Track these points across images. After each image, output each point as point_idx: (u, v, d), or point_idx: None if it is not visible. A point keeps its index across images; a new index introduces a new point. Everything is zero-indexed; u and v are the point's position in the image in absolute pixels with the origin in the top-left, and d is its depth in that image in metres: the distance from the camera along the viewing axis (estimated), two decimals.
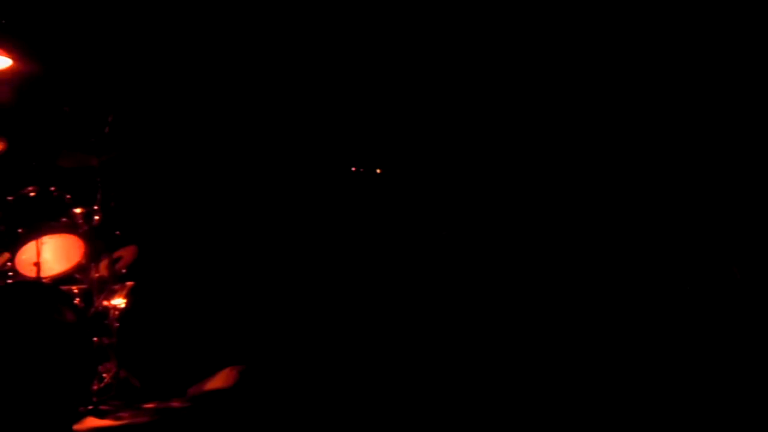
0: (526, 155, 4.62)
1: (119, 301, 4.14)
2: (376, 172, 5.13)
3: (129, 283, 4.30)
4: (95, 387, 3.75)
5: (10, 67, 4.74)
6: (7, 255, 3.79)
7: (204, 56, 5.23)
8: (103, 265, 4.14)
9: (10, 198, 3.88)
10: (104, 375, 3.91)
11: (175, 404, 4.02)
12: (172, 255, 4.63)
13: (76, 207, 4.09)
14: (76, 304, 3.79)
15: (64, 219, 3.99)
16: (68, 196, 4.04)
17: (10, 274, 3.76)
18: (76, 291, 4.08)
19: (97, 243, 4.08)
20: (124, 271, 4.35)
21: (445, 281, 4.72)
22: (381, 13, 5.00)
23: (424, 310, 4.72)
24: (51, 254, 4.00)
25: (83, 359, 3.57)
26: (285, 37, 5.21)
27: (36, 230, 3.79)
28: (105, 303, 4.07)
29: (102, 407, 3.71)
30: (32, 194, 3.91)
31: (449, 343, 4.35)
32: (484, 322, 4.40)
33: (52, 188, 4.00)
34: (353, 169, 5.07)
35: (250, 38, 5.15)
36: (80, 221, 4.06)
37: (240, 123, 5.34)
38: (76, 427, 3.39)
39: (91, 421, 3.53)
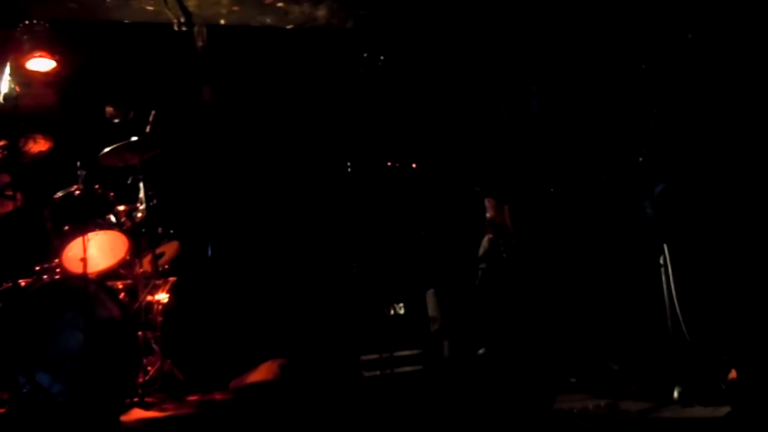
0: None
1: (162, 296, 4.22)
2: (411, 167, 5.12)
3: (172, 279, 4.38)
4: (140, 380, 3.82)
5: (54, 68, 4.88)
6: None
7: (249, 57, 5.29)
8: (147, 260, 4.21)
9: (56, 196, 3.98)
10: (149, 368, 3.98)
11: (218, 397, 4.08)
12: (214, 250, 4.69)
13: (120, 204, 4.18)
14: (121, 299, 3.89)
15: (108, 216, 4.08)
16: (112, 194, 4.13)
17: (57, 270, 3.86)
18: (120, 286, 4.17)
19: (141, 239, 4.15)
20: (167, 266, 4.43)
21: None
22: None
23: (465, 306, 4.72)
24: (96, 250, 4.09)
25: (129, 353, 3.65)
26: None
27: (82, 227, 3.88)
28: (149, 298, 4.14)
29: (147, 399, 3.77)
30: (77, 193, 4.00)
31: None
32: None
33: (96, 186, 4.09)
34: (389, 164, 5.06)
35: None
36: (124, 218, 4.15)
37: (279, 121, 5.38)
38: (122, 418, 3.46)
39: (137, 413, 3.60)
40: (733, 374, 3.47)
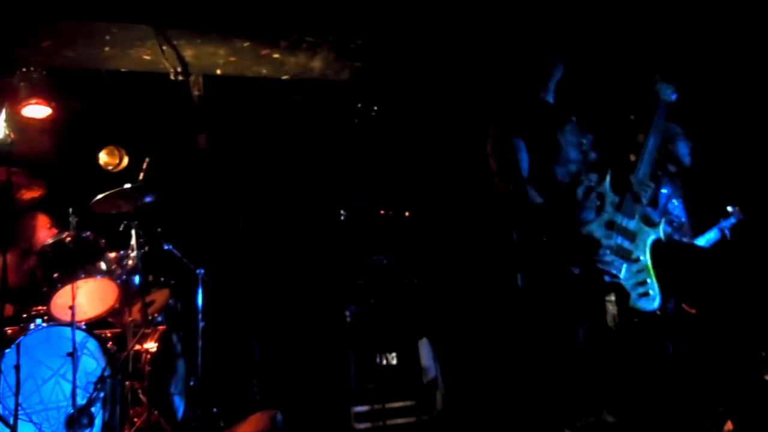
0: None
1: (151, 345, 4.15)
2: (405, 215, 5.14)
3: (161, 327, 4.32)
4: (127, 431, 3.74)
5: (50, 115, 4.92)
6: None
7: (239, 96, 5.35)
8: (136, 309, 4.16)
9: (47, 243, 3.95)
10: (135, 420, 3.89)
11: None
12: (206, 297, 4.65)
13: (111, 251, 4.15)
14: (109, 348, 3.82)
15: (99, 263, 4.04)
16: (103, 241, 4.11)
17: (45, 318, 3.81)
18: (109, 334, 4.11)
19: (131, 287, 4.11)
20: (156, 315, 4.37)
21: None
22: None
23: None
24: (85, 298, 4.05)
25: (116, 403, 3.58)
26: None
27: (71, 274, 3.84)
28: (137, 347, 4.08)
29: None
30: (68, 239, 3.97)
31: None
32: None
33: (88, 233, 4.06)
34: (382, 212, 5.09)
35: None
36: (114, 265, 4.11)
37: (273, 169, 5.41)
38: None
39: None
40: (729, 426, 3.44)
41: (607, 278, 2.91)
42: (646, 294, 2.99)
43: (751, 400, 3.06)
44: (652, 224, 3.21)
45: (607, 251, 2.94)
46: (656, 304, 3.03)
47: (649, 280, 3.03)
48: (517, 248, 2.28)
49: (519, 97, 3.24)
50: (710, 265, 3.65)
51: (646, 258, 3.08)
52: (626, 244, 3.05)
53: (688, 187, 4.30)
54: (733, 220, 4.23)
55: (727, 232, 4.19)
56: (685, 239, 4.05)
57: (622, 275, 2.95)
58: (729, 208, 4.28)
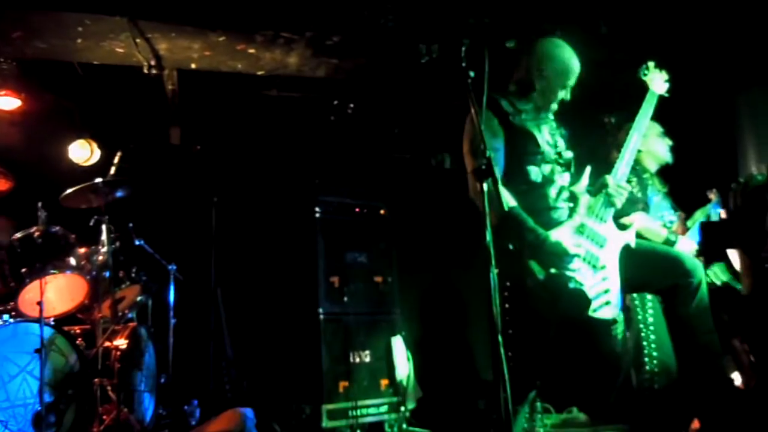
0: None
1: (121, 342, 4.11)
2: (380, 212, 5.14)
3: (131, 324, 4.27)
4: (95, 429, 3.69)
5: (20, 107, 4.83)
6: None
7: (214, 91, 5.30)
8: (106, 305, 4.11)
9: (15, 237, 3.89)
10: (105, 417, 3.85)
11: None
12: (178, 293, 4.61)
13: (81, 247, 4.10)
14: (78, 345, 3.78)
15: (68, 258, 3.98)
16: (73, 236, 4.05)
17: (13, 314, 3.75)
18: (78, 331, 4.05)
19: (101, 282, 4.06)
20: (127, 311, 4.33)
21: None
22: None
23: None
24: (54, 294, 3.99)
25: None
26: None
27: (40, 270, 3.78)
28: (107, 344, 4.03)
29: None
30: (37, 234, 3.91)
31: None
32: None
33: (58, 228, 4.00)
34: (357, 209, 5.07)
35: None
36: (84, 261, 4.06)
37: (247, 166, 5.38)
38: None
39: None
40: (695, 424, 3.49)
41: (570, 284, 2.85)
42: (606, 302, 2.93)
43: (716, 399, 3.09)
44: (624, 228, 3.17)
45: (575, 256, 2.88)
46: (617, 312, 2.97)
47: (611, 288, 2.97)
48: (489, 249, 2.26)
49: (497, 95, 3.18)
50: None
51: (614, 264, 3.03)
52: (595, 249, 2.99)
53: (669, 182, 4.28)
54: (716, 205, 4.16)
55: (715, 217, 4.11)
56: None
57: (586, 281, 2.89)
58: (709, 194, 4.23)
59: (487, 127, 3.03)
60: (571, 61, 3.17)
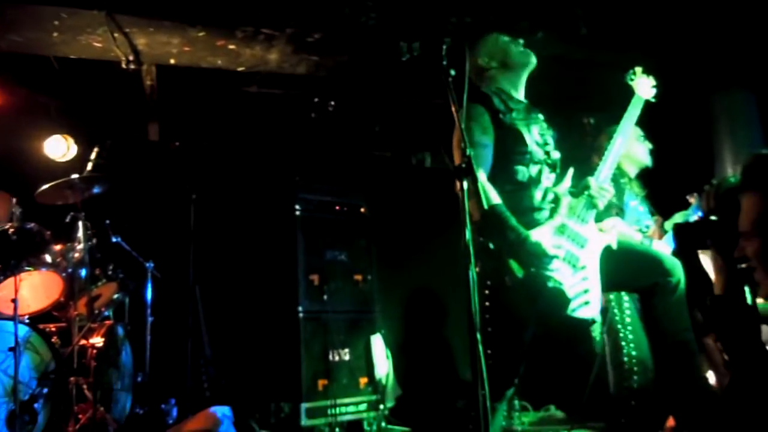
0: None
1: (98, 340, 4.06)
2: (360, 211, 5.13)
3: (108, 322, 4.23)
4: (71, 429, 3.65)
5: None
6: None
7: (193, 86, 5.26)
8: (82, 303, 4.06)
9: None
10: (80, 416, 3.81)
11: None
12: (156, 291, 4.57)
13: (57, 244, 4.04)
14: (53, 343, 3.73)
15: (43, 255, 3.93)
16: (48, 233, 4.00)
17: None
18: (53, 329, 4.00)
19: (77, 280, 4.01)
20: (103, 309, 4.28)
21: None
22: None
23: None
24: (29, 291, 3.94)
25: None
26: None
27: (14, 267, 3.73)
28: (83, 342, 3.99)
29: None
30: (11, 231, 3.85)
31: None
32: None
33: (33, 224, 3.95)
34: (337, 207, 5.06)
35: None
36: (60, 258, 4.01)
37: (226, 163, 5.35)
38: None
39: None
40: (670, 422, 3.53)
41: (550, 284, 2.86)
42: (586, 302, 2.95)
43: (691, 397, 3.13)
44: (603, 230, 3.18)
45: (555, 256, 2.89)
46: (596, 312, 2.99)
47: (591, 288, 2.97)
48: (468, 247, 2.26)
49: (489, 91, 3.17)
50: None
51: (594, 265, 3.03)
52: (575, 249, 2.99)
53: (647, 186, 4.30)
54: (696, 209, 4.18)
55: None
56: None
57: (565, 281, 2.89)
58: (689, 198, 4.25)
59: (479, 123, 3.03)
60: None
